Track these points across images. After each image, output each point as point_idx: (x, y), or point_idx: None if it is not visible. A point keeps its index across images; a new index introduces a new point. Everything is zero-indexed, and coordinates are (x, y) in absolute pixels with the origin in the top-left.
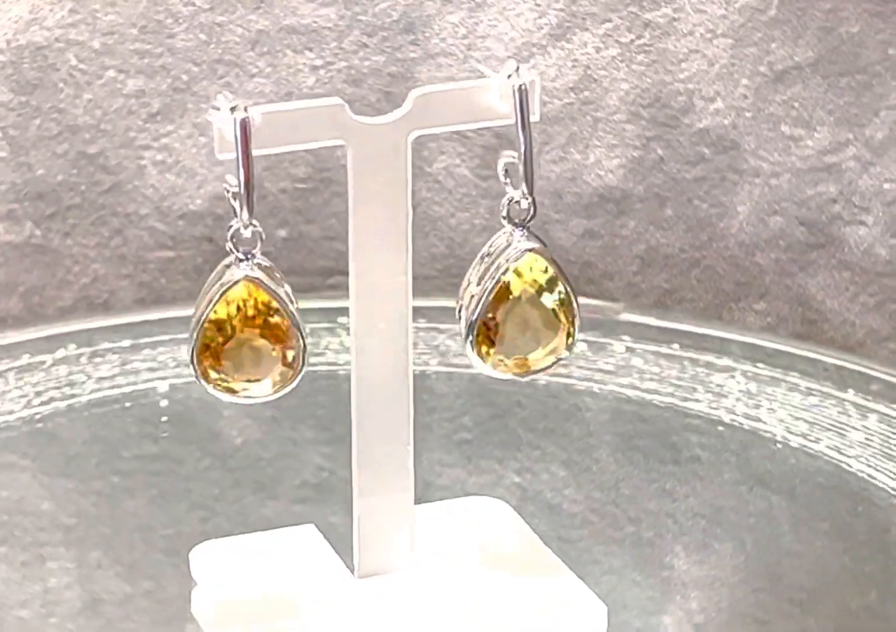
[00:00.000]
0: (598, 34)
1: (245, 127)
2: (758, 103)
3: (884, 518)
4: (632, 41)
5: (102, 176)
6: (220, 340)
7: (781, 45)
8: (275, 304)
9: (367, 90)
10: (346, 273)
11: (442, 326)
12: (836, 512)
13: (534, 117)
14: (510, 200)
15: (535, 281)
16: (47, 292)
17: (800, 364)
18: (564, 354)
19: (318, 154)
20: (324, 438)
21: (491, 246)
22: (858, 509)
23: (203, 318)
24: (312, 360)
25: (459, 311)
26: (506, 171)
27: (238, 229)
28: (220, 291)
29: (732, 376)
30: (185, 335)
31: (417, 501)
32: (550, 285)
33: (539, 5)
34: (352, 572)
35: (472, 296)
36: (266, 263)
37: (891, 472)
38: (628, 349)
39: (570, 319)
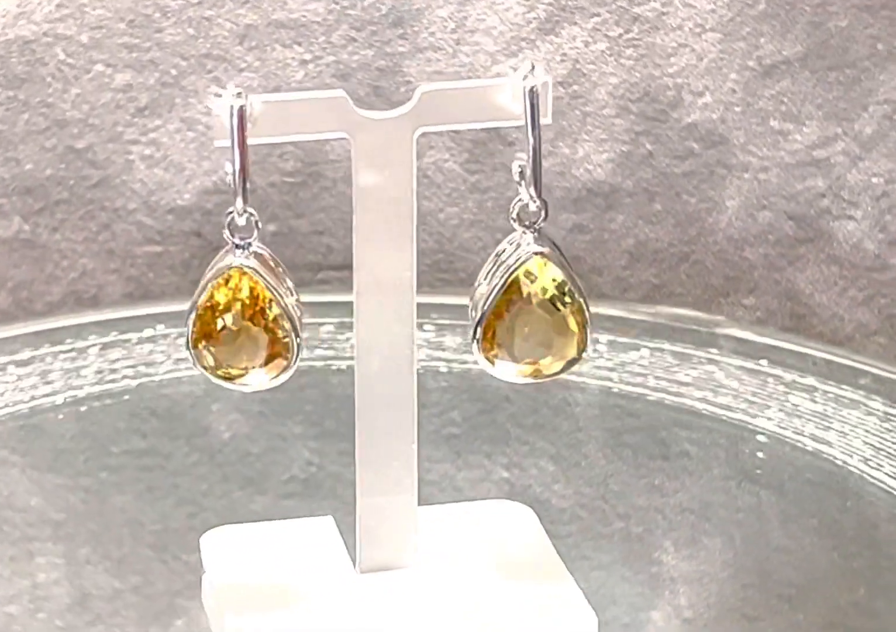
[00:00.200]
0: (586, 28)
1: (242, 115)
2: (747, 98)
3: (872, 513)
4: (620, 35)
5: (90, 171)
6: (212, 326)
7: (770, 39)
8: (267, 293)
9: (356, 85)
10: (336, 268)
11: (431, 321)
12: (825, 508)
13: (545, 120)
14: (519, 202)
15: (542, 286)
16: (35, 287)
17: (789, 358)
18: (573, 359)
19: (306, 148)
20: (312, 434)
21: (503, 246)
22: (847, 505)
23: (196, 304)
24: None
25: (471, 310)
26: (520, 172)
27: (233, 217)
28: (213, 278)
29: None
30: (173, 330)
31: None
32: (558, 290)
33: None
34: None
35: (481, 295)
36: (265, 252)
37: (880, 466)
38: (710, 361)
39: (581, 324)
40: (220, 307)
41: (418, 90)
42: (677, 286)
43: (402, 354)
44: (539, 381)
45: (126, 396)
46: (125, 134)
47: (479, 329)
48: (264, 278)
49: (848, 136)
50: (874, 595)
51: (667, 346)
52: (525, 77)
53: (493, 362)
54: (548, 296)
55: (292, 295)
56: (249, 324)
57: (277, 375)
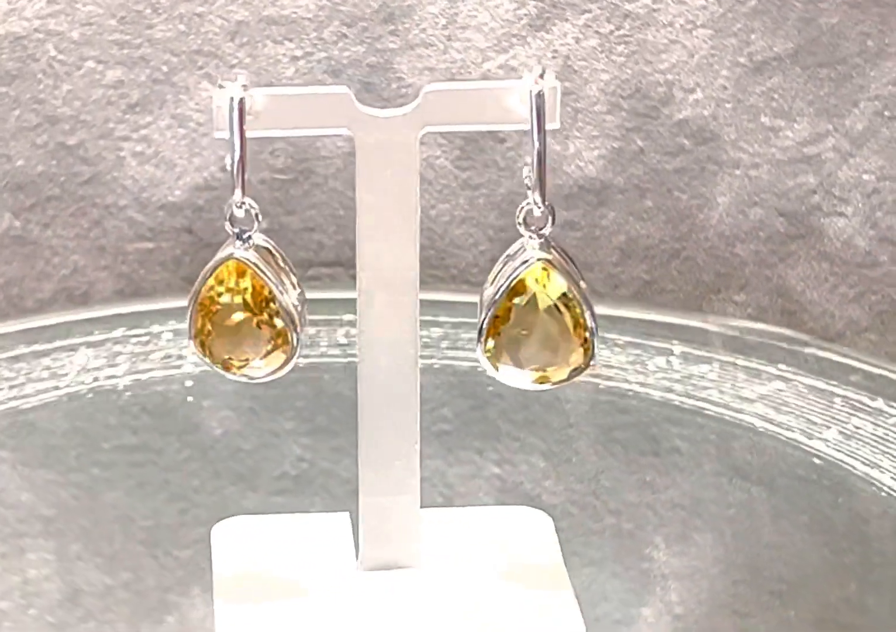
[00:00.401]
0: (577, 25)
1: (242, 106)
2: (737, 94)
3: (863, 510)
4: (611, 32)
5: (82, 167)
6: (209, 317)
7: (761, 35)
8: (264, 286)
9: (347, 81)
10: (327, 264)
11: (421, 318)
12: (816, 504)
13: (554, 125)
14: (525, 207)
15: (545, 293)
16: (26, 284)
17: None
18: (579, 367)
19: (297, 145)
20: (303, 430)
21: (513, 248)
22: (838, 501)
23: (196, 293)
24: None
25: (478, 312)
26: (528, 177)
27: (233, 209)
28: (212, 269)
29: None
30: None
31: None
32: (561, 298)
33: None
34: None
35: (487, 297)
36: (267, 244)
37: (871, 463)
38: (780, 377)
39: (583, 332)
40: (216, 298)
41: (423, 89)
42: (668, 283)
43: (405, 354)
44: (546, 388)
45: (117, 393)
46: (116, 130)
47: (483, 332)
48: (262, 271)
49: (839, 133)
50: (865, 591)
51: (740, 361)
52: (536, 82)
53: (496, 367)
54: (550, 303)
55: (295, 289)
56: (246, 315)
57: (277, 369)
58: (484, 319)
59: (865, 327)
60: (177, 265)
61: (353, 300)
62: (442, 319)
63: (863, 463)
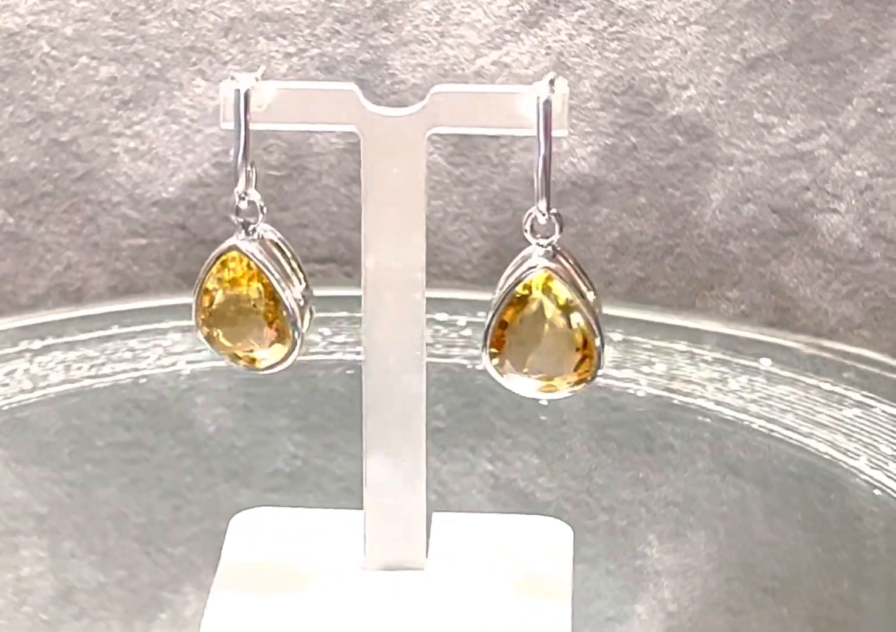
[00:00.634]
0: (570, 21)
1: (247, 99)
2: (731, 91)
3: (856, 507)
4: (605, 28)
5: (75, 163)
6: (212, 306)
7: (754, 32)
8: (262, 277)
9: (341, 78)
10: (320, 261)
11: None
12: (809, 501)
13: (562, 132)
14: (531, 215)
15: (547, 303)
16: (20, 280)
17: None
18: (583, 378)
19: (291, 141)
20: (297, 427)
21: (526, 252)
22: (831, 498)
23: (198, 284)
24: None
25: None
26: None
27: (236, 199)
28: (214, 259)
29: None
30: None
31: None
32: (563, 308)
33: None
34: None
35: (493, 303)
36: (273, 237)
37: (865, 460)
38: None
39: (584, 342)
40: (218, 289)
41: (431, 90)
42: (662, 279)
43: (411, 353)
44: (551, 396)
45: (110, 389)
46: (110, 127)
47: (487, 339)
48: (262, 263)
49: (832, 130)
50: (858, 589)
51: (820, 383)
52: (551, 89)
53: (501, 373)
54: (553, 313)
55: (300, 283)
56: (245, 307)
57: (279, 362)
58: (489, 325)
59: (859, 324)
60: (170, 262)
61: (347, 297)
62: (435, 315)
63: (865, 464)
